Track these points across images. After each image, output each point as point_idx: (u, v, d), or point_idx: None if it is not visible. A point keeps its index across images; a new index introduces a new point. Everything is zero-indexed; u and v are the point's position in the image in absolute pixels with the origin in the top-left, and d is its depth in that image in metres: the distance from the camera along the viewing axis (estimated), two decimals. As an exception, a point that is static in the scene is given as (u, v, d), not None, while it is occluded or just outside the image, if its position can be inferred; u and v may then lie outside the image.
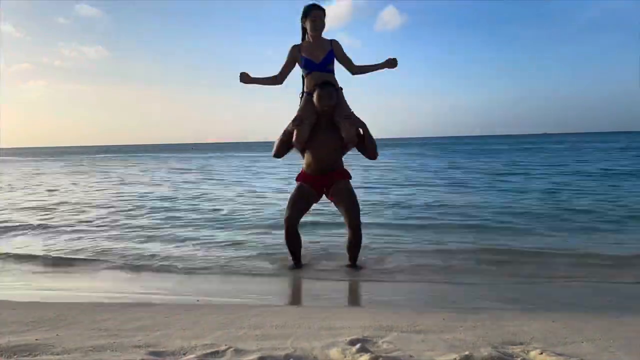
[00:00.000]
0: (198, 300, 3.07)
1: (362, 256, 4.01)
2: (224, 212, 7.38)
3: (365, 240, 3.94)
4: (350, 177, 3.82)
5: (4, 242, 5.40)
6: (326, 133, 3.68)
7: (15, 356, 1.85)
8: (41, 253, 4.71)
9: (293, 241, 3.86)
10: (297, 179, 3.89)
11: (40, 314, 2.52)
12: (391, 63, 3.79)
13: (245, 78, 3.76)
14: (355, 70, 3.84)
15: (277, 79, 3.81)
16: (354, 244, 3.83)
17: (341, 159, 3.84)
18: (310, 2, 3.74)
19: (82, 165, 27.95)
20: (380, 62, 3.83)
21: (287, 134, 3.75)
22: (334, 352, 1.87)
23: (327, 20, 3.75)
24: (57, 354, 1.86)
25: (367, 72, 3.85)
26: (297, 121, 3.65)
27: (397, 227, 5.82)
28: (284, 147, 3.81)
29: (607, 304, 3.01)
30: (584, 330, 2.22)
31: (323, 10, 3.72)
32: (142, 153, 56.21)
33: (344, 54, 3.80)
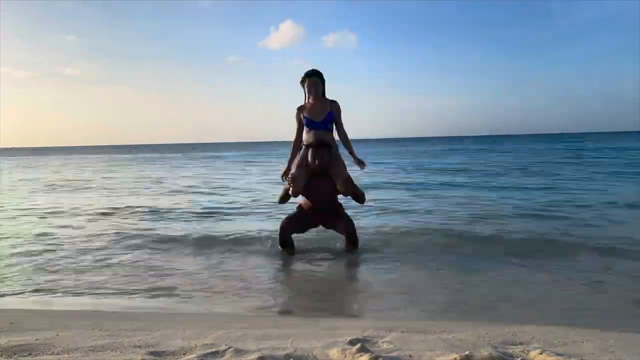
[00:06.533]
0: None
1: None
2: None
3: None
4: (341, 206, 4.29)
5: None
6: (321, 180, 4.11)
7: (15, 356, 1.84)
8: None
9: (287, 245, 4.33)
10: (298, 207, 4.31)
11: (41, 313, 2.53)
12: (361, 164, 4.19)
13: (287, 174, 4.19)
14: (341, 136, 4.26)
15: (298, 142, 4.26)
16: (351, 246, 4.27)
17: (336, 199, 4.27)
18: (309, 69, 4.20)
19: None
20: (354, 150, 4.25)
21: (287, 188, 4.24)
22: (334, 352, 1.87)
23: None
24: (57, 354, 1.86)
25: (345, 146, 4.26)
26: (290, 178, 4.12)
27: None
28: (286, 197, 4.26)
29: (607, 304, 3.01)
30: (584, 330, 2.23)
31: (318, 76, 4.15)
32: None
33: (339, 117, 4.22)
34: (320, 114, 4.11)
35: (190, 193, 10.35)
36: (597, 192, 8.61)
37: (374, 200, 7.72)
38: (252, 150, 56.10)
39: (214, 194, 10.06)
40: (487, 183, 11.08)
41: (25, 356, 1.84)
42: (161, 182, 13.59)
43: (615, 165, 15.49)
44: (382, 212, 6.92)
